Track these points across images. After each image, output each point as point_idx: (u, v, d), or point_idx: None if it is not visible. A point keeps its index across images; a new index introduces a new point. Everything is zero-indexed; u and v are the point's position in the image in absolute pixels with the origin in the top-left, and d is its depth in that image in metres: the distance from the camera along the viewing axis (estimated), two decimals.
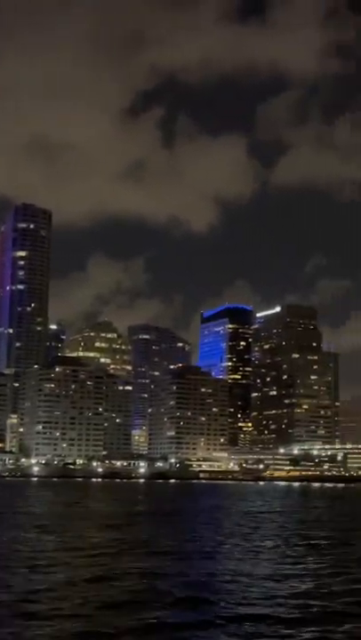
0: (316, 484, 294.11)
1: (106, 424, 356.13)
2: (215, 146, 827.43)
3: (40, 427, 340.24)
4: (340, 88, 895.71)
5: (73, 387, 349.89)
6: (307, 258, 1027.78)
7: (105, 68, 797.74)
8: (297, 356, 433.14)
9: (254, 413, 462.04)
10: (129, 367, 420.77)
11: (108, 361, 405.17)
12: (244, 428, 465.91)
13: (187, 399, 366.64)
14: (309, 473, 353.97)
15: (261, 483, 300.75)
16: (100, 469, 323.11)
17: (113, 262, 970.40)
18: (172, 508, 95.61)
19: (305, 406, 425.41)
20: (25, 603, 26.25)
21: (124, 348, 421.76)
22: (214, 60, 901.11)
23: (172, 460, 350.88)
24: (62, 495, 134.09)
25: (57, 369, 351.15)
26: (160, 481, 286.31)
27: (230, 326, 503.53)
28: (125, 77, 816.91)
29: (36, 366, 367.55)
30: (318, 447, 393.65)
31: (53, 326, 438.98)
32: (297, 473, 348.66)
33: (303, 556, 42.63)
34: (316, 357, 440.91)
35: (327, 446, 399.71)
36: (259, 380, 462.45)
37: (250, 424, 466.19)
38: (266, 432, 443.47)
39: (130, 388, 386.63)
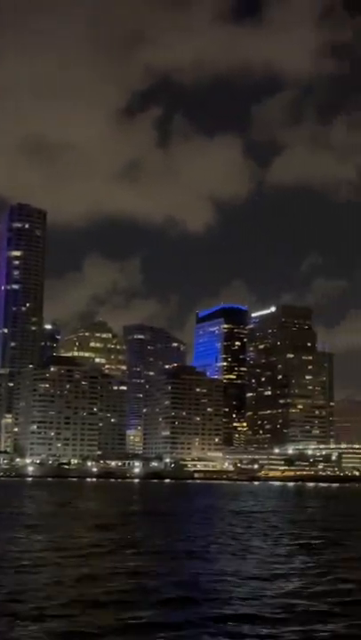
0: (311, 484, 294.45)
1: (101, 424, 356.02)
2: (211, 146, 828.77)
3: (35, 426, 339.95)
4: (335, 88, 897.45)
5: (68, 387, 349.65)
6: (302, 258, 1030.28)
7: (101, 69, 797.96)
8: (292, 356, 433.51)
9: (249, 413, 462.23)
10: (124, 367, 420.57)
11: (103, 361, 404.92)
12: (239, 428, 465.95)
13: (182, 399, 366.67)
14: (304, 473, 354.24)
15: (256, 483, 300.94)
16: (94, 469, 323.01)
17: (109, 262, 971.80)
18: (165, 508, 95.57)
19: (300, 406, 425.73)
20: (11, 603, 26.21)
21: (118, 347, 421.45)
22: (210, 61, 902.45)
23: (167, 460, 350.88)
24: (56, 495, 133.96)
25: (52, 369, 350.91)
26: (155, 481, 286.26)
27: (225, 326, 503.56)
28: (121, 78, 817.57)
29: (30, 366, 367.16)
30: (313, 447, 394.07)
31: (48, 326, 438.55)
32: (292, 473, 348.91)
33: (292, 556, 42.64)
34: (310, 357, 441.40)
35: (322, 446, 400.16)
36: (254, 380, 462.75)
37: (245, 424, 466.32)
38: (261, 432, 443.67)
39: (125, 387, 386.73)
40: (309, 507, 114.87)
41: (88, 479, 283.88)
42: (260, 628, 23.34)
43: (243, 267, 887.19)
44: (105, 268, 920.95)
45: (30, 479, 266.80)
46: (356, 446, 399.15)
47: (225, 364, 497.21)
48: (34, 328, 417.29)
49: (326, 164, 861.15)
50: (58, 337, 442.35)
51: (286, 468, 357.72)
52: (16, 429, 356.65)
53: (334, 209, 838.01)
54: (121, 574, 33.38)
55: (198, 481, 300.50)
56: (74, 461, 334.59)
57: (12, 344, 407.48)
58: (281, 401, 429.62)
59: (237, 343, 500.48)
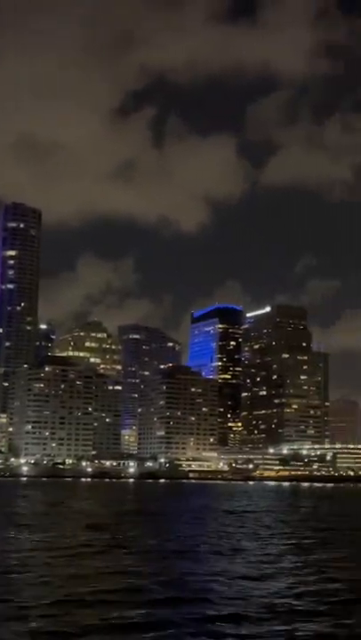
0: (306, 484, 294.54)
1: (95, 424, 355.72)
2: (205, 146, 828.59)
3: (29, 426, 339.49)
4: (329, 88, 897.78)
5: (62, 386, 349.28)
6: (297, 258, 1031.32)
7: (95, 68, 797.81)
8: (287, 356, 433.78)
9: (244, 413, 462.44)
10: (119, 367, 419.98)
11: (98, 361, 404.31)
12: (234, 428, 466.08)
13: (176, 399, 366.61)
14: (299, 473, 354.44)
15: (251, 482, 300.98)
16: (89, 469, 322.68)
17: (103, 262, 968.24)
18: (159, 508, 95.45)
19: (295, 406, 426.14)
20: None
21: (113, 347, 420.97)
22: (204, 61, 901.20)
23: (162, 460, 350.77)
24: (50, 495, 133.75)
25: (46, 368, 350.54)
26: (150, 481, 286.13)
27: (220, 326, 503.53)
28: (115, 77, 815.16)
29: (25, 366, 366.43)
30: (308, 447, 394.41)
31: (43, 326, 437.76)
32: (286, 473, 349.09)
33: (283, 556, 42.58)
34: (305, 357, 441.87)
35: (316, 446, 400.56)
36: (248, 380, 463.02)
37: (240, 424, 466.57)
38: (255, 432, 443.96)
39: (119, 387, 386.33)
40: (303, 506, 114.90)
41: (83, 479, 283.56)
42: (247, 628, 23.34)
43: (237, 267, 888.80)
44: (99, 267, 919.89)
45: (25, 479, 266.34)
46: (351, 446, 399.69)
47: (220, 363, 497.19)
48: (29, 328, 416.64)
49: (321, 165, 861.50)
50: (53, 337, 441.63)
51: (281, 467, 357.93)
52: (11, 429, 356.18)
53: (329, 209, 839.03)
54: (109, 574, 33.31)
55: (193, 481, 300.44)
56: (68, 461, 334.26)
57: (7, 344, 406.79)
58: (276, 401, 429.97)
59: (232, 343, 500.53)
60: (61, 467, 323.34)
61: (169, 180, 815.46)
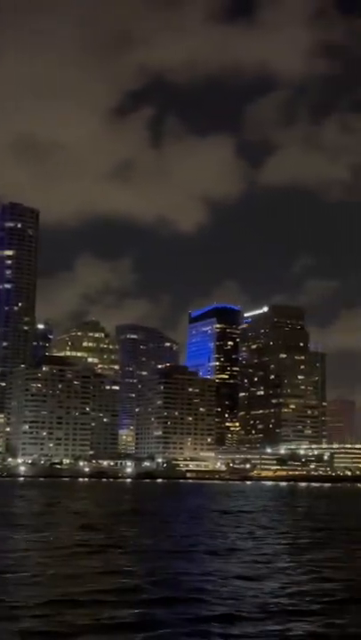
0: (303, 484, 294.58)
1: (93, 424, 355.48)
2: (203, 146, 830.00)
3: (27, 426, 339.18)
4: (327, 88, 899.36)
5: (60, 386, 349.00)
6: (295, 258, 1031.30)
7: (93, 68, 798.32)
8: (284, 355, 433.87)
9: (242, 413, 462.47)
10: (116, 367, 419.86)
11: (96, 360, 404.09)
12: (232, 428, 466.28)
13: (174, 399, 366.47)
14: (296, 473, 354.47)
15: (248, 482, 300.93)
16: (86, 469, 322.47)
17: (101, 262, 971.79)
18: (155, 508, 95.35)
19: (292, 406, 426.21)
20: None
21: (111, 347, 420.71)
22: (202, 61, 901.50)
23: (160, 460, 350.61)
24: (47, 495, 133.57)
25: (44, 368, 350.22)
26: (147, 481, 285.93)
27: (218, 326, 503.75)
28: (113, 77, 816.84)
29: (22, 366, 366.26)
30: (305, 447, 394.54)
31: (41, 326, 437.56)
32: (284, 473, 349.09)
33: (278, 556, 42.48)
34: (303, 357, 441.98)
35: (314, 446, 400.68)
36: (246, 380, 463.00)
37: (237, 424, 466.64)
38: (253, 432, 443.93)
39: (117, 387, 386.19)
40: (300, 506, 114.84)
41: (80, 479, 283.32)
42: (240, 628, 23.24)
43: (235, 267, 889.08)
44: (97, 267, 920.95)
45: (22, 479, 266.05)
46: (348, 446, 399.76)
47: (217, 363, 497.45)
48: (26, 327, 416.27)
49: (319, 165, 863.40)
50: (50, 336, 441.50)
51: (278, 467, 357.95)
52: (8, 429, 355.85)
53: (327, 209, 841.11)
54: (103, 574, 33.19)
55: (190, 481, 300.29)
56: (66, 461, 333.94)
57: (4, 344, 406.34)
58: (273, 401, 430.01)
59: (230, 343, 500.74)
60: (59, 467, 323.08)
61: (167, 180, 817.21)
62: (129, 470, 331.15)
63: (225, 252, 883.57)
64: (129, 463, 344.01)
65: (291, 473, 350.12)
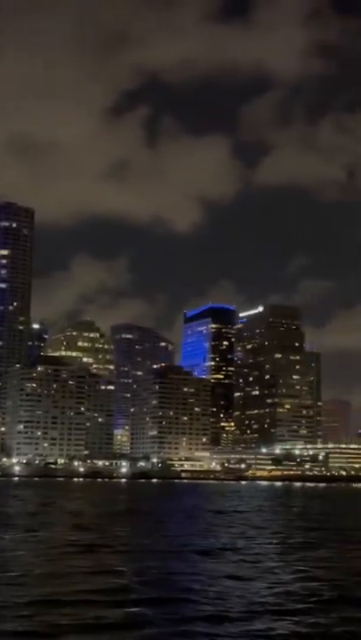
0: (298, 484, 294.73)
1: (88, 424, 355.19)
2: (199, 146, 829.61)
3: (21, 426, 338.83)
4: (323, 88, 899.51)
5: (55, 386, 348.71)
6: (290, 258, 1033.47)
7: (88, 68, 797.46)
8: (279, 355, 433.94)
9: (237, 413, 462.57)
10: (111, 367, 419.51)
11: (91, 360, 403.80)
12: (227, 428, 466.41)
13: (169, 399, 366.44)
14: (291, 472, 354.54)
15: (243, 482, 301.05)
16: (81, 469, 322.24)
17: (96, 262, 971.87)
18: (149, 508, 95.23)
19: (287, 406, 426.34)
20: None
21: (106, 347, 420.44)
22: (198, 61, 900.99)
23: (155, 460, 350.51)
24: (41, 495, 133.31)
25: (39, 368, 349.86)
26: (142, 480, 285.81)
27: (213, 326, 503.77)
28: (109, 77, 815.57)
29: (17, 365, 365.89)
30: (300, 447, 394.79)
31: (36, 325, 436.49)
32: (279, 472, 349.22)
33: (269, 555, 42.38)
34: (298, 357, 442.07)
35: (309, 446, 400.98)
36: (241, 380, 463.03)
37: (232, 424, 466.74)
38: (248, 432, 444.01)
39: (112, 387, 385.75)
40: (294, 506, 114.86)
41: (75, 479, 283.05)
42: (228, 628, 23.16)
43: (230, 267, 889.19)
44: (92, 267, 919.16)
45: (17, 479, 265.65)
46: (343, 446, 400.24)
47: (213, 363, 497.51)
48: (21, 327, 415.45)
49: (314, 165, 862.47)
50: (45, 336, 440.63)
51: (273, 467, 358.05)
52: (3, 429, 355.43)
53: (322, 209, 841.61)
54: (93, 573, 33.05)
55: (185, 481, 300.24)
56: (61, 461, 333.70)
57: None
58: (268, 401, 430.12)
59: (225, 343, 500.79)
60: (53, 467, 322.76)
61: (163, 180, 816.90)
62: (124, 470, 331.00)
63: (220, 251, 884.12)
64: (124, 463, 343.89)
65: (286, 473, 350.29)
